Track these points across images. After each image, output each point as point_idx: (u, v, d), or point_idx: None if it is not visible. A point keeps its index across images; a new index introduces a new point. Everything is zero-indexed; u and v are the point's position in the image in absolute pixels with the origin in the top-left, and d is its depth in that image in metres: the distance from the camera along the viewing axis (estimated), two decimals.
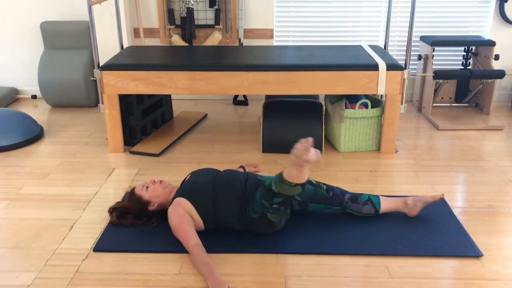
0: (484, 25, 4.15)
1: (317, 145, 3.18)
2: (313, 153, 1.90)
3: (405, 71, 3.01)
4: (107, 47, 4.03)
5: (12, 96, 4.37)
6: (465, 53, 4.06)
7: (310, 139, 1.87)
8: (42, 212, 2.49)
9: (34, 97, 4.41)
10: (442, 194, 2.36)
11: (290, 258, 2.09)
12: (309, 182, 2.36)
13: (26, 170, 2.99)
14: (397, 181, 2.83)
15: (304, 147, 1.85)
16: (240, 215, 2.18)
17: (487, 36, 4.14)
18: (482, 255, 2.10)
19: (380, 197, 2.40)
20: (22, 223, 2.39)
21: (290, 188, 1.98)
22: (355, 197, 2.36)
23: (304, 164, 1.89)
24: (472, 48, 4.06)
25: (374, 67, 2.99)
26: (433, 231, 2.27)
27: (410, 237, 2.22)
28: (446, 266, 2.03)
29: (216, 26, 4.11)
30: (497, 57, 3.86)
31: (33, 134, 3.44)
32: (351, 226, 2.32)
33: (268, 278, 1.97)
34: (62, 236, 2.27)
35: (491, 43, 3.84)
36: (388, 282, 1.94)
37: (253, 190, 2.19)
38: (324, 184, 2.38)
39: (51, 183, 2.81)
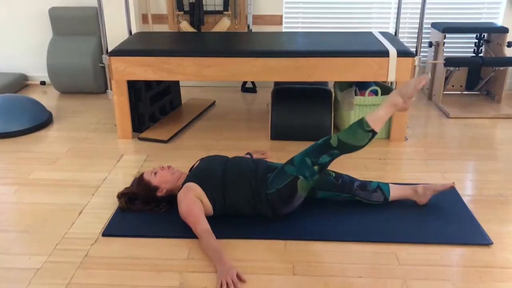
0: (497, 12, 4.08)
1: (326, 133, 3.16)
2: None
3: (416, 58, 2.97)
4: (116, 33, 4.01)
5: (21, 82, 4.38)
6: (477, 40, 4.01)
7: (427, 76, 2.07)
8: (51, 197, 2.51)
9: (43, 83, 4.42)
10: (453, 182, 2.33)
11: (298, 244, 2.09)
12: None
13: (35, 155, 3.00)
14: (407, 169, 2.80)
15: (420, 80, 2.00)
16: (251, 198, 2.18)
17: (499, 22, 4.07)
18: (492, 243, 2.08)
19: (390, 184, 2.38)
20: (32, 208, 2.40)
21: (362, 135, 2.02)
22: (364, 184, 2.35)
23: (410, 98, 2.03)
24: (484, 35, 4.00)
25: (385, 53, 2.96)
26: (442, 219, 2.25)
27: (419, 225, 2.21)
28: (455, 254, 2.02)
29: (225, 12, 4.07)
30: (509, 44, 3.80)
31: (42, 120, 3.45)
32: (360, 213, 2.30)
33: (277, 264, 1.97)
34: (71, 221, 2.28)
35: (504, 30, 3.78)
36: (396, 269, 1.93)
37: (264, 172, 2.20)
38: (333, 171, 2.37)
39: (60, 169, 2.82)
